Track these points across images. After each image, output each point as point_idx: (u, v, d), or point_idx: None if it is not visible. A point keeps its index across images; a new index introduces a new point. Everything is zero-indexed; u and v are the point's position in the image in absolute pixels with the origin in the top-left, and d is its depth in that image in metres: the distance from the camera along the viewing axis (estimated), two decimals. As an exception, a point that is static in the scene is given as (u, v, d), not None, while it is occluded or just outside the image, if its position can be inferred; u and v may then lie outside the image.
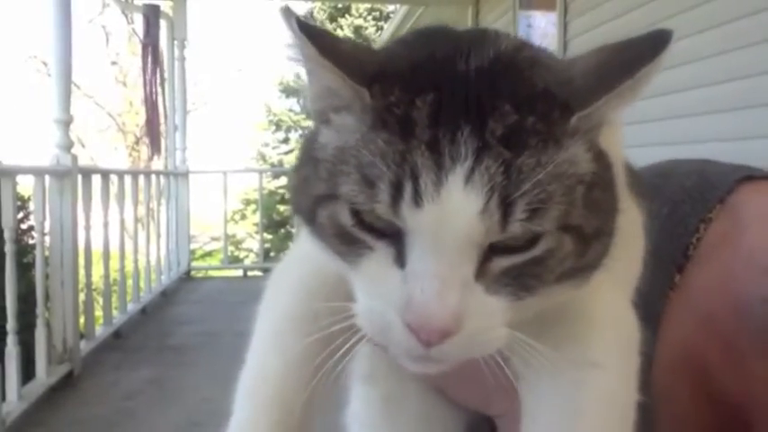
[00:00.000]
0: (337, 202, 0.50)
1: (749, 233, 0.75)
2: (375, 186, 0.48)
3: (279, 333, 0.65)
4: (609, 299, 0.59)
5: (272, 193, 13.50)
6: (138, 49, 8.07)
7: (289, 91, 15.96)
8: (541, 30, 5.92)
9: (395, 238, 0.49)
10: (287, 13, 0.51)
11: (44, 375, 3.61)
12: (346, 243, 0.51)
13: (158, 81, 6.67)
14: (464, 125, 0.48)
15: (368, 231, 0.50)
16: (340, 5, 15.50)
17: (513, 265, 0.49)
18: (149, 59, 6.60)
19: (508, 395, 0.60)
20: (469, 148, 0.47)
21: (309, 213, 0.54)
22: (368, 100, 0.50)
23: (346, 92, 0.51)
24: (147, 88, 6.63)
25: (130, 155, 15.14)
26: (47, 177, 3.82)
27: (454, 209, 0.47)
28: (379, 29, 14.67)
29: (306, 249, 0.61)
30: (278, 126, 15.99)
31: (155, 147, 6.90)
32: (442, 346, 0.48)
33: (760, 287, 0.72)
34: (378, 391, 0.74)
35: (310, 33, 0.51)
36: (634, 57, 0.50)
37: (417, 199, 0.47)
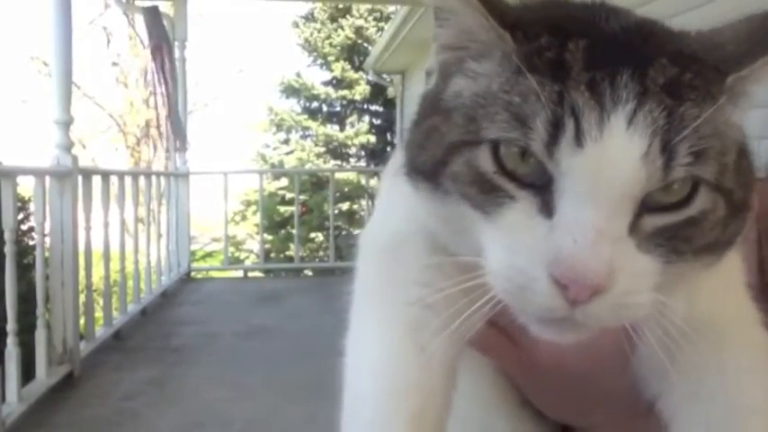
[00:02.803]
0: (478, 147, 0.48)
1: None
2: (529, 124, 0.46)
3: (411, 325, 0.56)
4: (752, 322, 0.57)
5: (272, 194, 13.48)
6: (139, 49, 8.07)
7: (289, 91, 15.95)
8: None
9: (540, 186, 0.47)
10: None
11: (44, 376, 3.60)
12: (485, 192, 0.48)
13: (170, 78, 6.64)
14: (623, 70, 0.46)
15: (510, 179, 0.47)
16: (341, 6, 15.51)
17: (666, 224, 0.47)
18: (159, 59, 6.59)
19: (605, 406, 0.58)
20: (631, 91, 0.45)
21: (438, 164, 0.51)
22: (510, 44, 0.49)
23: (486, 34, 0.50)
24: (162, 87, 6.61)
25: (131, 156, 15.14)
26: (47, 178, 3.82)
27: (617, 151, 0.44)
28: (380, 29, 14.67)
29: (401, 218, 0.59)
30: (279, 127, 15.96)
31: (180, 141, 6.86)
32: (589, 305, 0.45)
33: None
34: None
35: None
36: None
37: (580, 138, 0.44)
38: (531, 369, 0.64)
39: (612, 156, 0.44)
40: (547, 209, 0.46)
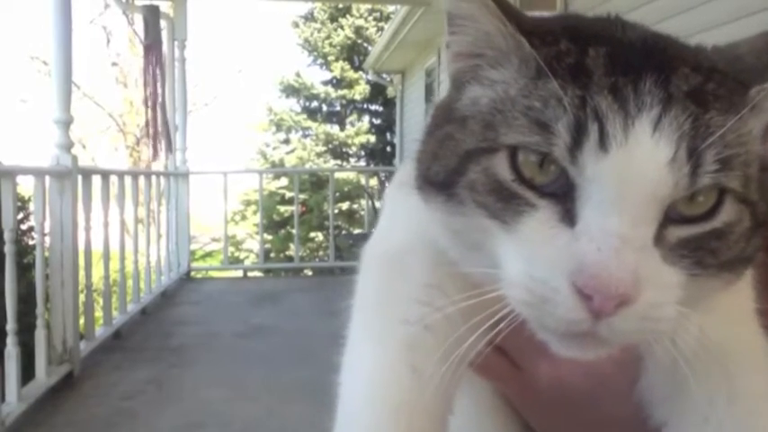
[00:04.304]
0: (495, 154, 0.47)
1: None
2: (550, 129, 0.45)
3: (407, 344, 0.54)
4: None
5: (272, 193, 13.48)
6: (139, 49, 8.07)
7: (289, 91, 15.95)
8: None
9: (561, 194, 0.45)
10: None
11: (44, 376, 3.60)
12: (503, 200, 0.47)
13: (159, 82, 6.66)
14: (646, 77, 0.45)
15: (528, 187, 0.46)
16: (341, 6, 15.50)
17: (692, 235, 0.46)
18: (153, 61, 6.59)
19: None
20: (655, 97, 0.44)
21: (453, 173, 0.49)
22: (528, 49, 0.48)
23: (504, 41, 0.49)
24: (150, 89, 6.63)
25: (131, 155, 15.14)
26: (47, 178, 3.82)
27: (643, 156, 0.43)
28: (380, 29, 14.67)
29: (405, 233, 0.57)
30: (278, 126, 15.97)
31: (158, 147, 6.88)
32: (614, 319, 0.43)
33: None
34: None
35: None
36: None
37: (604, 143, 0.43)
38: (533, 392, 0.63)
39: (638, 161, 0.43)
40: (569, 217, 0.45)
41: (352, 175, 13.28)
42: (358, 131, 15.62)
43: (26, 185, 3.91)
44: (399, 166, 0.66)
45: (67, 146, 4.03)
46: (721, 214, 0.46)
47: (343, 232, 12.21)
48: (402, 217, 0.60)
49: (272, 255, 12.76)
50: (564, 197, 0.45)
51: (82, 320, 4.24)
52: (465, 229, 0.50)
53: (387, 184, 12.85)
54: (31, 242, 4.40)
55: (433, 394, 0.53)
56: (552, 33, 0.49)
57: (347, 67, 15.70)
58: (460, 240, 0.51)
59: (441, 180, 0.50)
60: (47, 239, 3.83)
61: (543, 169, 0.46)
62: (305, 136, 15.95)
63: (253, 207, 13.94)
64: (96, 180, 4.67)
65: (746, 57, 0.50)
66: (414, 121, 11.01)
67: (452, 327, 0.51)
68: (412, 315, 0.55)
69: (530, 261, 0.45)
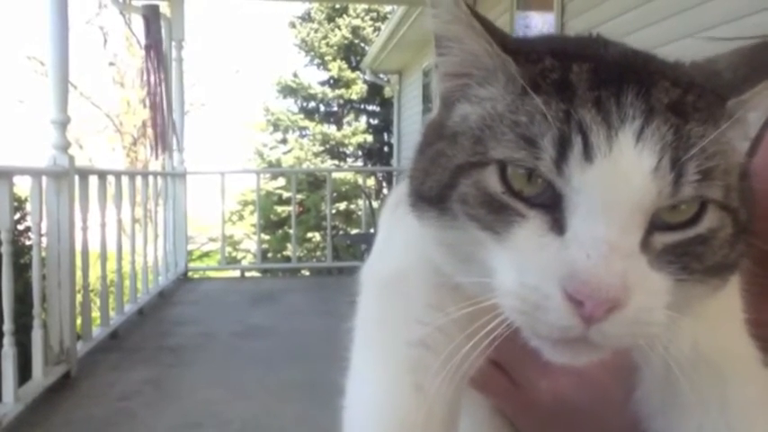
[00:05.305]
0: (485, 168, 0.49)
1: None
2: (536, 144, 0.46)
3: (409, 365, 0.55)
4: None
5: (269, 193, 13.47)
6: (136, 49, 8.07)
7: (287, 91, 15.94)
8: (539, 30, 5.93)
9: (550, 205, 0.47)
10: None
11: (41, 376, 3.60)
12: (494, 212, 0.48)
13: (161, 81, 6.65)
14: (628, 90, 0.47)
15: (518, 199, 0.48)
16: (338, 6, 15.49)
17: (676, 242, 0.47)
18: (154, 60, 6.59)
19: None
20: (637, 109, 0.46)
21: (445, 188, 0.51)
22: (513, 67, 0.50)
23: (490, 60, 0.51)
24: (151, 89, 6.62)
25: (128, 155, 15.12)
26: (44, 178, 3.81)
27: (627, 166, 0.45)
28: (377, 29, 14.66)
29: (402, 253, 0.59)
30: (276, 126, 15.95)
31: (159, 146, 6.87)
32: (604, 324, 0.44)
33: None
34: None
35: None
36: None
37: (589, 153, 0.45)
38: (531, 408, 0.64)
39: (623, 170, 0.45)
40: (558, 226, 0.46)
41: (349, 176, 13.27)
42: (355, 131, 15.62)
43: (23, 186, 3.90)
44: (392, 190, 0.67)
45: (64, 146, 4.03)
46: (704, 221, 0.48)
47: (341, 232, 12.19)
48: (398, 237, 0.61)
49: (270, 255, 12.75)
50: (553, 207, 0.47)
51: (79, 321, 4.24)
52: (458, 242, 0.51)
53: (384, 184, 12.86)
54: (27, 242, 4.39)
55: (438, 412, 0.54)
56: (537, 52, 0.51)
57: (344, 67, 15.70)
58: (454, 254, 0.53)
59: (433, 195, 0.52)
60: (44, 240, 3.83)
61: (531, 182, 0.47)
62: (302, 136, 15.94)
63: (250, 207, 13.92)
64: (93, 180, 4.66)
65: (724, 72, 0.52)
66: (411, 121, 11.01)
67: (451, 342, 0.52)
68: (413, 336, 0.55)
69: (521, 269, 0.47)
